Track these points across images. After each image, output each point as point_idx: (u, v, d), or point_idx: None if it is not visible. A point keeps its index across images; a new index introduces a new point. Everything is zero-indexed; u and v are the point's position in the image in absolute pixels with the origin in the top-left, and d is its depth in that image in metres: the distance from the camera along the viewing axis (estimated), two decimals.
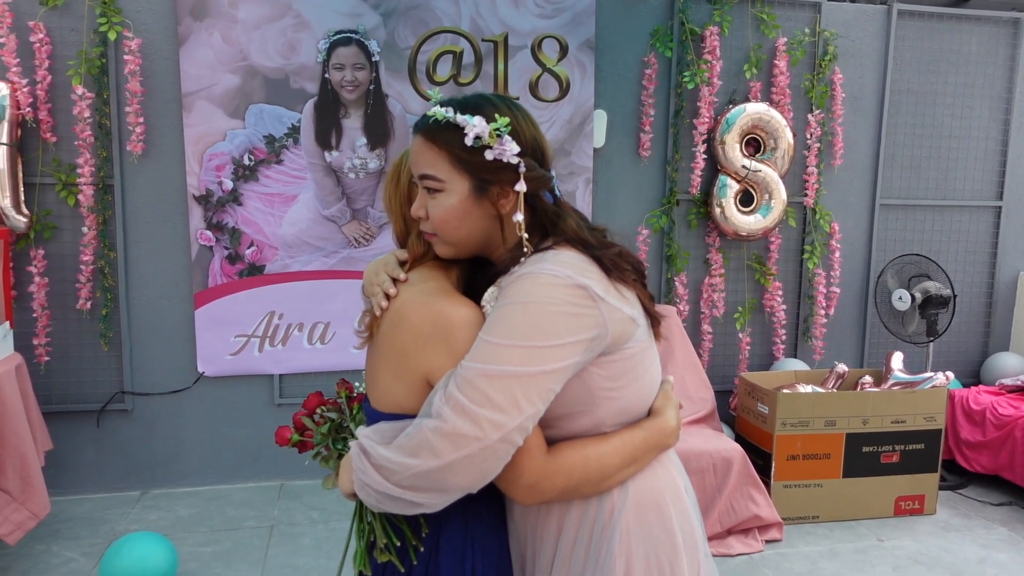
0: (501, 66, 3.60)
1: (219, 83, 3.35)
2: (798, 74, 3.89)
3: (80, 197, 3.25)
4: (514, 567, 1.21)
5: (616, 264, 1.09)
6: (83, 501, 3.42)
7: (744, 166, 3.74)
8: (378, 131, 3.53)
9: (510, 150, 1.09)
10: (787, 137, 3.76)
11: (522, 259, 1.11)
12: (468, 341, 1.06)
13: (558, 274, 1.03)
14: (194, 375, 3.52)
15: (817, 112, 3.88)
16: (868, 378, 3.57)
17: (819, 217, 3.97)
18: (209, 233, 3.44)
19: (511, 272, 1.09)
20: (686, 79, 3.68)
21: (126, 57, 3.21)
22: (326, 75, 3.45)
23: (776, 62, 3.80)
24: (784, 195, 3.78)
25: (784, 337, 4.00)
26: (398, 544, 1.15)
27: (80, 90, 3.16)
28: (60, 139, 3.26)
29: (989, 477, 3.71)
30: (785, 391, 3.33)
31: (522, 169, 1.10)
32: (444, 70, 3.56)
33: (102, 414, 3.46)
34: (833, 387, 3.53)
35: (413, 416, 1.08)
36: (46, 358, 3.31)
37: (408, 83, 3.53)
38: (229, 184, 3.42)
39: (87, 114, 3.19)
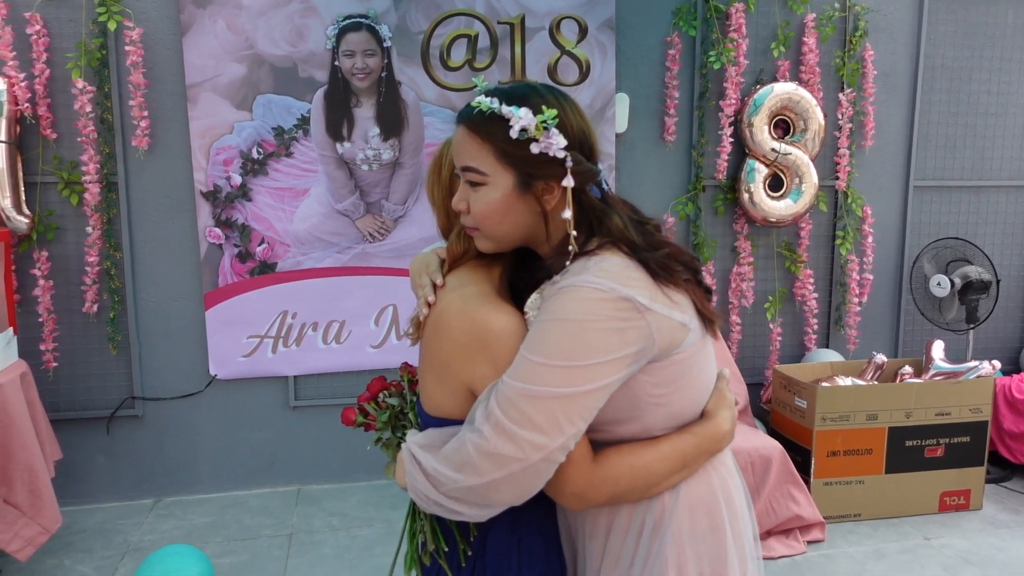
0: (518, 49, 3.44)
1: (224, 73, 3.21)
2: (827, 51, 3.71)
3: (85, 196, 3.11)
4: (566, 558, 1.21)
5: (664, 266, 1.05)
6: (95, 511, 3.31)
7: (773, 149, 3.58)
8: (391, 120, 3.38)
9: (557, 143, 1.05)
10: (818, 118, 3.59)
11: (567, 263, 1.07)
12: (510, 350, 1.04)
13: (601, 287, 0.99)
14: (206, 378, 3.39)
15: (848, 91, 3.71)
16: (908, 368, 3.42)
17: (851, 201, 3.81)
18: (218, 230, 3.30)
19: (554, 282, 1.06)
20: (711, 59, 3.51)
21: (127, 48, 3.07)
22: (336, 63, 3.29)
23: (805, 39, 3.63)
24: (815, 179, 3.62)
25: (816, 327, 3.85)
26: (446, 549, 1.14)
27: (80, 84, 3.02)
28: (61, 135, 3.12)
29: None
30: (824, 384, 3.19)
31: (569, 163, 1.06)
32: (459, 55, 3.40)
33: (112, 421, 3.34)
34: (872, 379, 3.38)
35: (458, 422, 1.08)
36: (53, 364, 3.18)
37: (421, 69, 3.37)
38: (238, 179, 3.28)
39: (88, 108, 3.05)
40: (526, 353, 1.00)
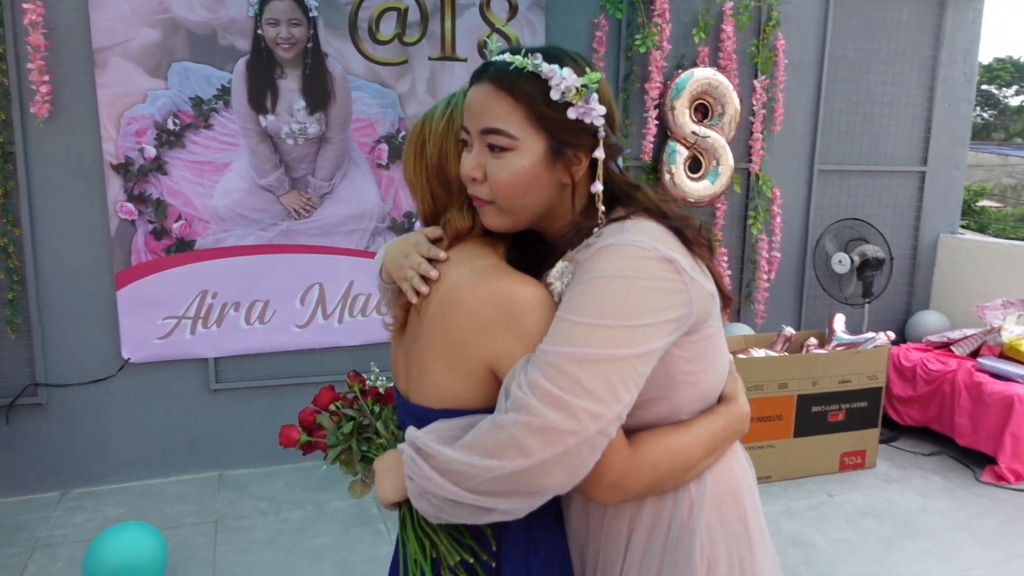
0: (448, 25, 3.40)
1: (136, 38, 3.00)
2: (744, 39, 3.88)
3: None
4: (575, 572, 1.11)
5: (695, 239, 0.99)
6: None
7: (694, 132, 3.72)
8: (317, 93, 3.27)
9: (596, 110, 0.96)
10: (734, 103, 3.76)
11: (595, 230, 0.99)
12: (539, 323, 0.94)
13: (644, 245, 0.92)
14: (118, 362, 3.20)
15: (762, 78, 3.90)
16: (813, 340, 3.67)
17: (762, 183, 4.02)
18: (130, 206, 3.11)
19: (587, 245, 0.97)
20: (637, 43, 3.59)
21: (25, 6, 2.81)
22: (259, 31, 3.15)
23: (723, 27, 3.78)
24: (731, 161, 3.79)
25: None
26: (471, 560, 1.01)
27: None
28: None
29: (918, 429, 3.92)
30: (740, 356, 3.37)
31: (602, 134, 0.98)
32: (388, 28, 3.32)
33: (12, 409, 3.11)
34: (782, 350, 3.61)
35: (473, 412, 0.97)
36: None
37: (349, 41, 3.28)
38: (152, 151, 3.09)
39: None
40: (572, 316, 0.90)
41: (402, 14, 3.32)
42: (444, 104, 1.12)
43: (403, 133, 3.42)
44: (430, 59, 3.41)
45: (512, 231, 1.05)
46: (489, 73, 0.98)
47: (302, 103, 3.25)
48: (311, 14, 3.20)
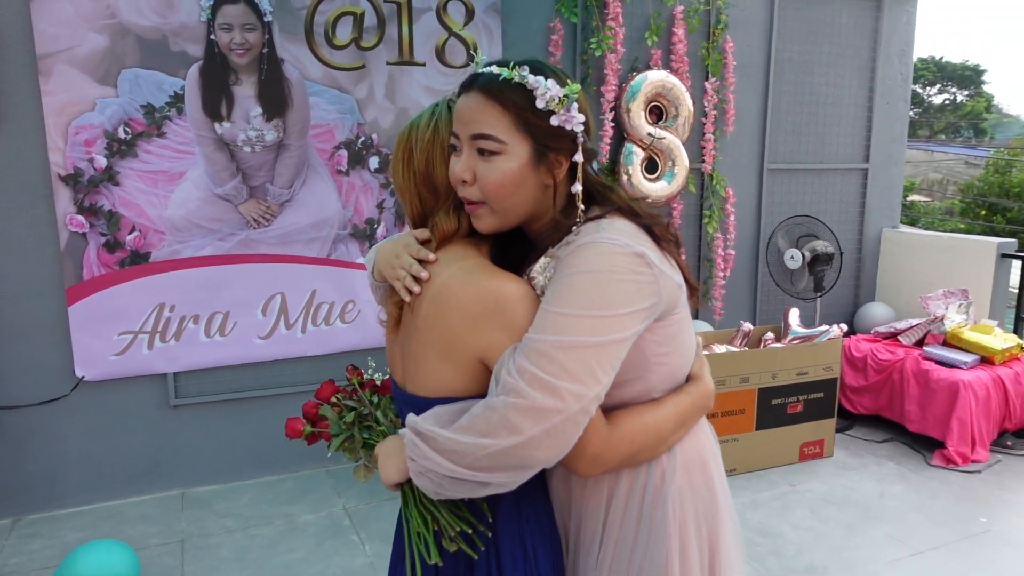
0: (405, 29, 3.38)
1: (83, 44, 2.90)
2: (694, 42, 3.97)
3: None
4: (560, 537, 1.21)
5: (663, 235, 1.11)
6: None
7: (649, 134, 3.79)
8: (274, 99, 3.21)
9: (577, 118, 1.07)
10: (688, 104, 3.84)
11: (574, 228, 1.09)
12: (524, 315, 1.03)
13: (618, 242, 1.02)
14: (72, 381, 3.08)
15: (713, 80, 4.00)
16: (770, 334, 3.78)
17: (716, 183, 4.12)
18: (81, 218, 3.00)
19: (566, 243, 1.07)
20: (592, 46, 3.64)
21: None
22: (212, 36, 3.08)
23: (675, 30, 3.86)
24: (687, 162, 3.87)
25: None
26: (470, 531, 1.11)
27: None
28: None
29: (870, 417, 4.07)
30: (703, 352, 3.44)
31: (581, 139, 1.09)
32: (344, 33, 3.29)
33: None
34: (742, 345, 3.71)
35: (467, 398, 1.06)
36: None
37: (305, 46, 3.23)
38: (102, 161, 2.99)
39: None
40: (555, 307, 1.00)
41: (358, 18, 3.29)
42: (429, 114, 1.19)
43: (362, 139, 3.39)
44: (388, 64, 3.38)
45: (502, 230, 1.14)
46: (479, 83, 1.08)
47: (258, 110, 3.19)
48: (265, 19, 3.14)
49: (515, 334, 1.02)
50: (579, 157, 1.08)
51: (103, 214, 3.02)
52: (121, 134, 3.00)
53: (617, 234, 1.03)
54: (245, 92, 3.16)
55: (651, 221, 1.10)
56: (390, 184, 3.47)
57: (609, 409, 1.07)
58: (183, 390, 3.29)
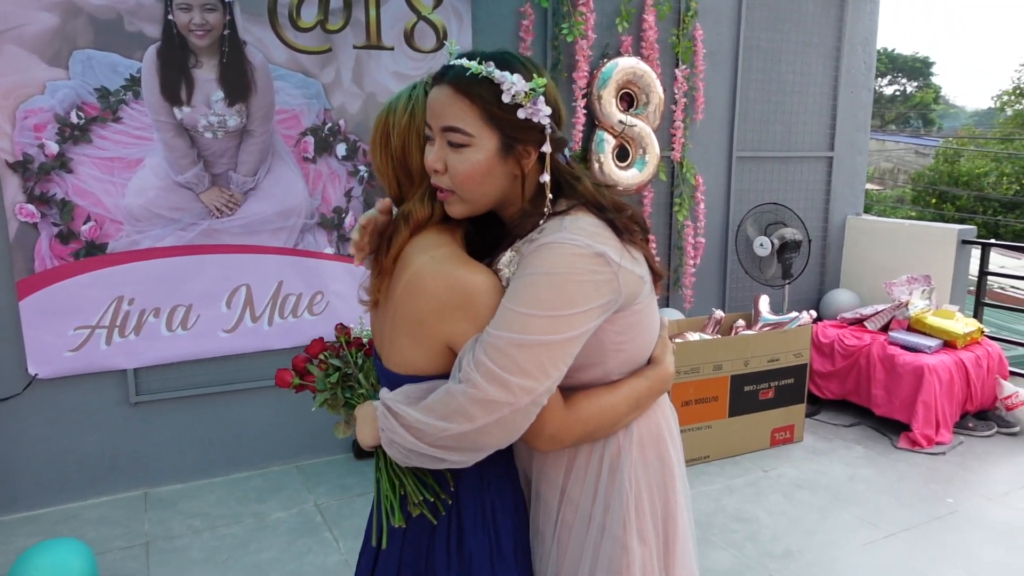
0: (373, 12, 3.28)
1: (31, 22, 2.74)
2: (665, 29, 3.95)
3: None
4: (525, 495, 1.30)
5: (627, 227, 1.14)
6: None
7: (621, 121, 3.76)
8: (237, 83, 3.09)
9: (543, 111, 1.10)
10: (658, 92, 3.82)
11: (540, 223, 1.13)
12: (489, 307, 1.09)
13: (578, 243, 1.07)
14: (24, 379, 2.94)
15: (683, 67, 3.98)
16: (741, 322, 3.80)
17: (685, 171, 4.12)
18: (31, 207, 2.84)
19: (530, 239, 1.11)
20: (564, 31, 3.59)
21: None
22: (170, 16, 2.94)
23: (645, 16, 3.83)
24: (658, 149, 3.86)
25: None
26: (431, 500, 1.19)
27: None
28: None
29: (838, 402, 4.13)
30: (676, 340, 3.45)
31: (548, 130, 1.11)
32: (309, 15, 3.18)
33: None
34: (714, 332, 3.72)
35: (433, 378, 1.14)
36: None
37: (269, 28, 3.11)
38: (54, 147, 2.84)
39: None
40: (513, 306, 1.05)
41: (324, 0, 3.18)
42: (406, 98, 1.21)
43: (329, 125, 3.29)
44: (355, 47, 3.28)
45: (472, 216, 1.19)
46: (448, 77, 1.11)
47: (220, 94, 3.07)
48: None
49: (480, 324, 1.09)
50: (547, 148, 1.12)
51: (55, 203, 2.87)
52: (74, 119, 2.85)
53: (578, 233, 1.07)
54: (206, 75, 3.03)
55: (614, 215, 1.13)
56: (358, 172, 3.37)
57: (569, 390, 1.15)
58: (144, 386, 3.16)
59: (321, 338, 1.37)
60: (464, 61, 1.10)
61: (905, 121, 30.30)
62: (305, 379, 1.34)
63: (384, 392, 1.15)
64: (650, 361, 1.24)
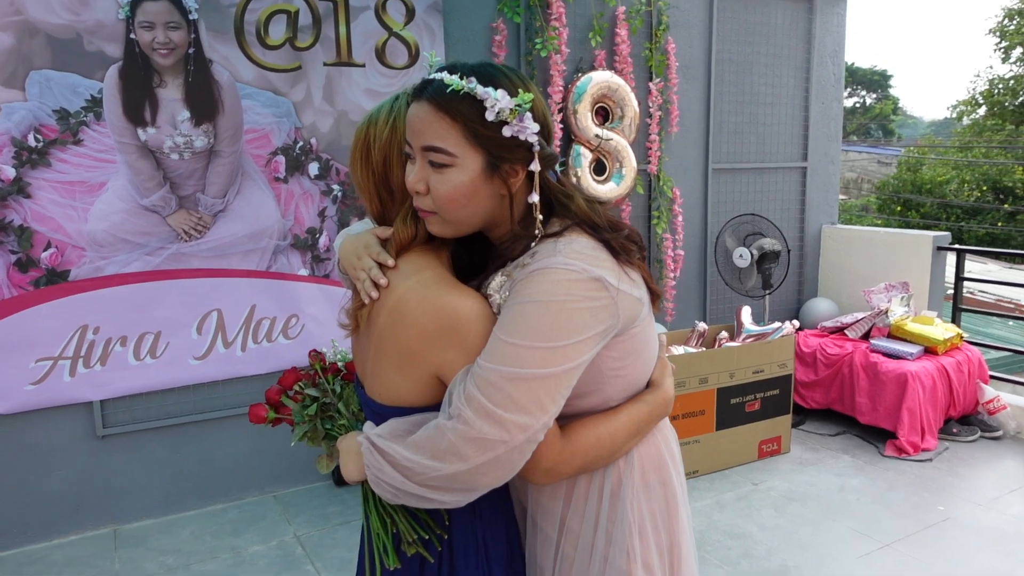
0: (343, 29, 3.22)
1: None
2: (638, 43, 3.94)
3: None
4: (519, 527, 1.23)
5: (624, 247, 1.08)
6: None
7: (597, 135, 3.73)
8: (203, 103, 3.00)
9: (530, 128, 1.02)
10: (633, 105, 3.81)
11: (532, 245, 1.07)
12: (479, 335, 1.02)
13: (574, 268, 1.00)
14: None
15: (657, 80, 3.97)
16: (724, 334, 3.77)
17: (662, 183, 4.10)
18: None
19: (522, 264, 1.05)
20: (537, 46, 3.56)
21: None
22: (132, 35, 2.84)
23: (618, 30, 3.82)
24: (634, 163, 3.83)
25: None
26: (426, 537, 1.12)
27: None
28: None
29: (821, 411, 4.11)
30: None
31: (536, 148, 1.04)
32: (278, 32, 3.10)
33: None
34: (698, 345, 3.68)
35: (422, 410, 1.07)
36: None
37: (236, 46, 3.03)
38: (10, 172, 2.72)
39: None
40: (505, 336, 0.98)
41: (292, 17, 3.11)
42: (388, 110, 1.14)
43: (300, 144, 3.21)
44: (325, 64, 3.21)
45: (456, 236, 1.11)
46: (428, 93, 1.03)
47: (186, 114, 2.97)
48: (191, 16, 2.93)
49: (470, 353, 1.02)
50: (535, 166, 1.05)
51: (13, 230, 2.75)
52: (31, 142, 2.74)
53: (573, 257, 1.01)
54: (170, 95, 2.94)
55: (611, 236, 1.07)
56: (332, 191, 3.29)
57: (566, 418, 1.08)
58: (111, 418, 3.03)
59: (295, 367, 1.31)
60: (445, 76, 1.02)
61: (866, 132, 30.99)
62: (281, 412, 1.27)
63: (369, 427, 1.08)
64: (649, 384, 1.18)
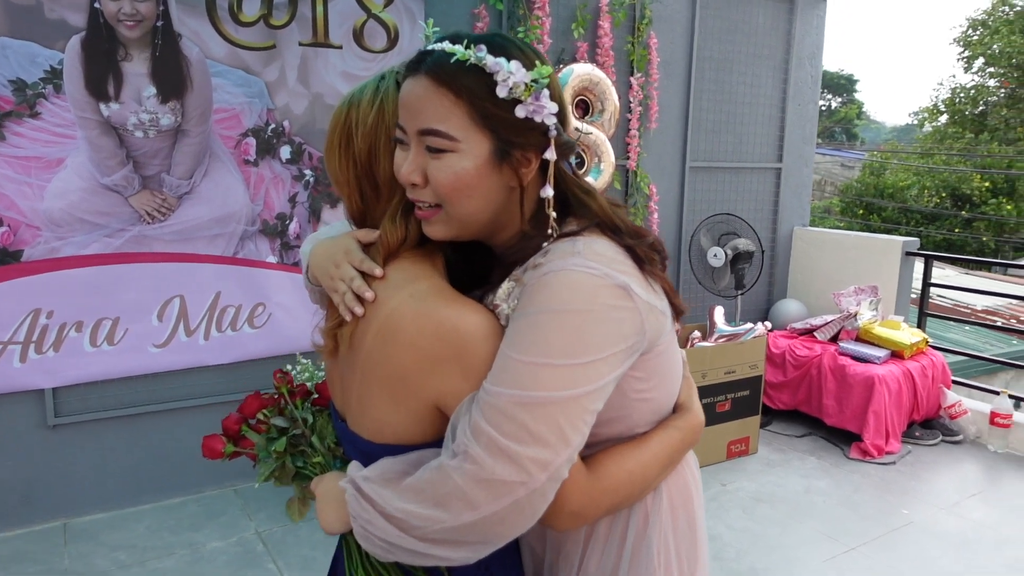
0: (320, 8, 3.10)
1: None
2: (620, 36, 3.89)
3: None
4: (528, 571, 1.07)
5: (648, 256, 0.94)
6: None
7: (577, 128, 3.67)
8: (171, 79, 2.86)
9: (548, 108, 0.87)
10: (614, 99, 3.76)
11: (544, 245, 0.91)
12: (487, 357, 0.86)
13: (595, 272, 0.86)
14: None
15: (638, 75, 3.93)
16: (697, 333, 3.76)
17: (639, 180, 4.07)
18: None
19: (534, 265, 0.89)
20: (520, 35, 3.49)
21: None
22: (96, 4, 2.70)
23: (600, 23, 3.76)
24: (613, 158, 3.79)
25: None
26: None
27: None
28: None
29: (787, 412, 4.14)
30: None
31: (553, 133, 0.89)
32: (252, 9, 2.98)
33: None
34: None
35: (419, 447, 0.90)
36: None
37: (207, 21, 2.90)
38: None
39: None
40: (515, 354, 0.83)
41: None
42: (373, 90, 0.98)
43: (272, 126, 3.09)
44: (301, 45, 3.10)
45: (458, 239, 0.95)
46: (427, 65, 0.88)
47: (152, 90, 2.84)
48: None
49: (477, 379, 0.86)
50: (551, 154, 0.89)
51: None
52: None
53: (595, 259, 0.87)
54: (136, 69, 2.80)
55: (634, 241, 0.93)
56: (304, 176, 3.18)
57: (589, 448, 0.91)
58: (64, 407, 2.89)
59: (257, 392, 1.12)
60: (447, 45, 0.87)
61: (830, 135, 31.53)
62: (240, 445, 1.09)
63: (354, 468, 0.92)
64: (676, 408, 1.04)
